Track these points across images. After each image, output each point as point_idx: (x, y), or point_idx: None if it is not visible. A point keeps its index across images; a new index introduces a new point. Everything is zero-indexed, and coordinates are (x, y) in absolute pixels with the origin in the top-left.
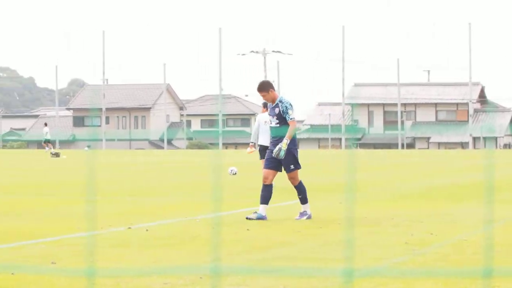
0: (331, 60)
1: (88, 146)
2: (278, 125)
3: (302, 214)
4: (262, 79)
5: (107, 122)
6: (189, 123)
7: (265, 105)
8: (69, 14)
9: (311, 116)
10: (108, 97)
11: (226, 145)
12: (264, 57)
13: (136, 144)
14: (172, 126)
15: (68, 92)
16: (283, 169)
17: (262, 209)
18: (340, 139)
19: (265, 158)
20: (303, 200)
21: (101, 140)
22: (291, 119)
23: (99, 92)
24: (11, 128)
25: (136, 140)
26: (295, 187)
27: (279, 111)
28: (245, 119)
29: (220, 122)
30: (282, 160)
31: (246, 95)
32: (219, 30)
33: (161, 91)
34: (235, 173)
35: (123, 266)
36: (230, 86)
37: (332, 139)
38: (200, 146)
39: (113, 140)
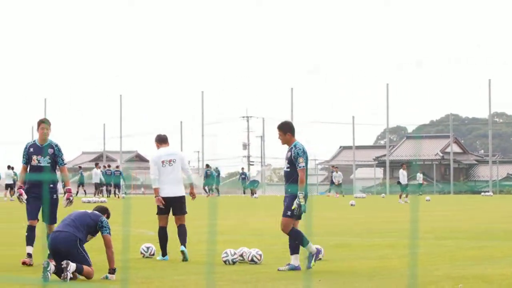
0: None
1: None
2: (288, 169)
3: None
4: None
5: None
6: None
7: None
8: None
9: None
10: None
11: None
12: None
13: None
14: None
15: None
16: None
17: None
18: None
19: None
20: (292, 248)
21: None
22: (300, 167)
23: None
24: (507, 173)
25: None
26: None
27: (291, 155)
28: None
29: None
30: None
31: None
32: None
33: None
34: None
35: None
36: None
37: None
38: None
39: None
